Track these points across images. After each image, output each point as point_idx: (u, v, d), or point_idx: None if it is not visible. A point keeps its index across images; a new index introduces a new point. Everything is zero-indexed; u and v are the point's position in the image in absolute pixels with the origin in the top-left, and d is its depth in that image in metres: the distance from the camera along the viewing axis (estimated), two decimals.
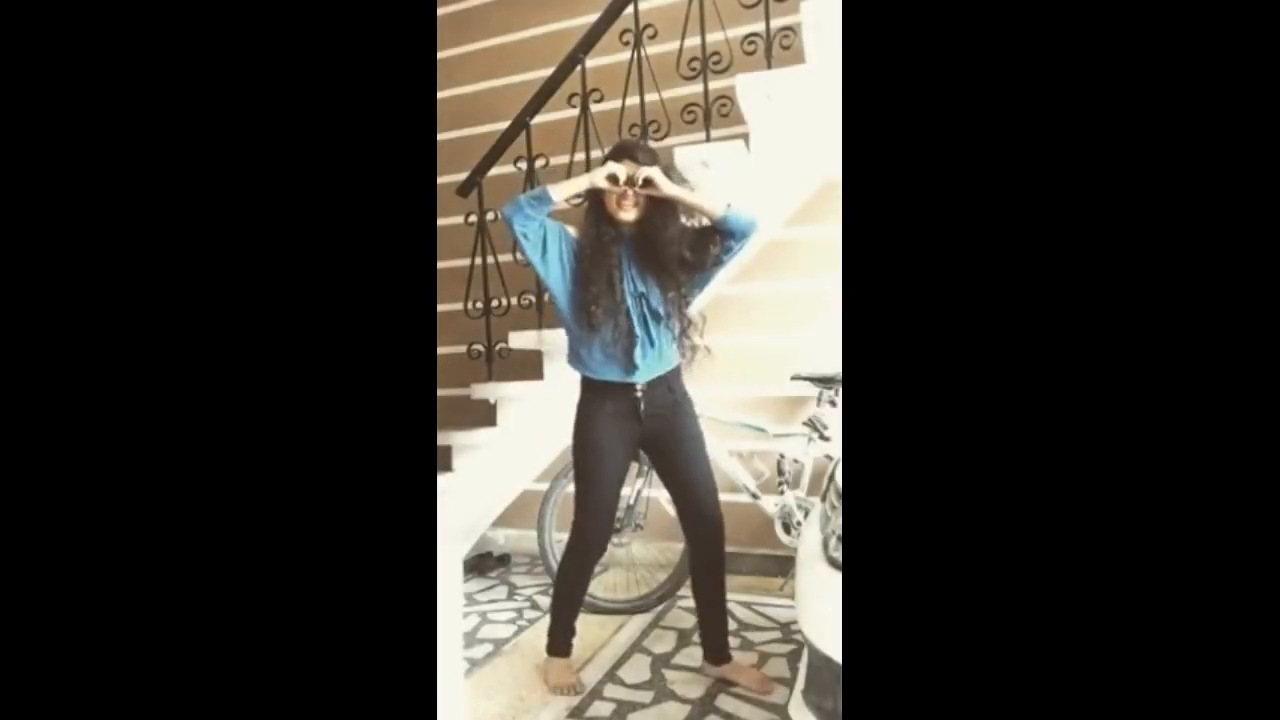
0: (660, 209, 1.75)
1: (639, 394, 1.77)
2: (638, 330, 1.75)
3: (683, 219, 1.79)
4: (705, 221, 1.76)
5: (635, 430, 1.80)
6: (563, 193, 1.74)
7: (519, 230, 1.72)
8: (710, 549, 1.85)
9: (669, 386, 1.82)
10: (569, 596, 1.93)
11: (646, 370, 1.77)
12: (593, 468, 1.81)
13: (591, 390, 1.83)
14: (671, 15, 2.44)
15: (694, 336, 1.82)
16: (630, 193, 1.73)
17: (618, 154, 1.76)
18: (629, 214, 1.75)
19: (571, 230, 1.82)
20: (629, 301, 1.75)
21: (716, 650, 1.89)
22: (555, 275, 1.77)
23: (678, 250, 1.75)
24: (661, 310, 1.77)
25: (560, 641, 1.94)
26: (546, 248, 1.76)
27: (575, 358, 1.83)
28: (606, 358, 1.77)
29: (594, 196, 1.79)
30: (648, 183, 1.71)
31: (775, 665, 1.98)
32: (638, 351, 1.75)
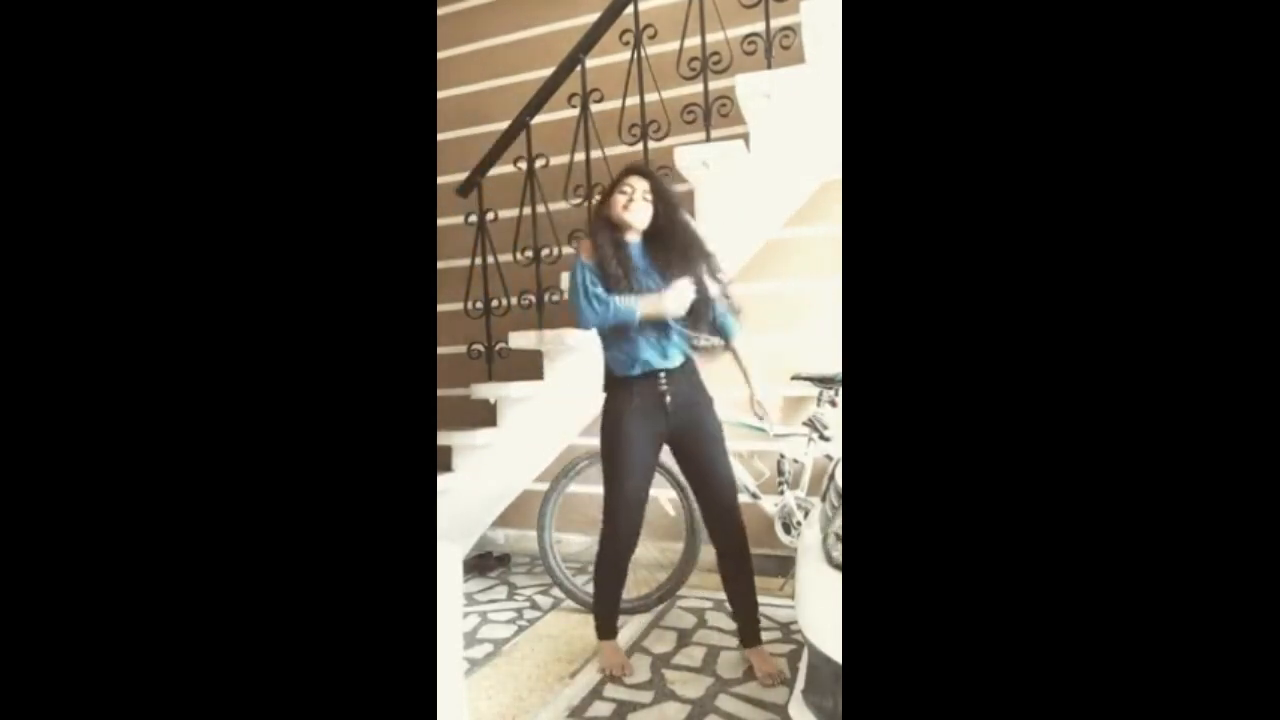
0: (675, 213, 1.89)
1: (664, 386, 1.87)
2: (650, 333, 1.86)
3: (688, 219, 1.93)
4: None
5: (662, 424, 1.89)
6: (644, 309, 1.82)
7: (592, 325, 1.85)
8: (736, 542, 1.93)
9: (690, 381, 1.92)
10: (607, 587, 2.00)
11: (663, 362, 1.88)
12: (622, 459, 1.88)
13: (617, 384, 1.92)
14: (671, 15, 2.44)
15: (705, 332, 1.92)
16: (639, 195, 1.87)
17: (629, 172, 1.92)
18: (639, 218, 1.88)
19: (585, 258, 1.88)
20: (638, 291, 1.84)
21: (748, 635, 1.96)
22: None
23: (695, 240, 1.88)
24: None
25: (605, 626, 2.03)
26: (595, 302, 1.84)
27: (607, 355, 1.95)
28: (626, 356, 1.88)
29: (600, 208, 1.96)
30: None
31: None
32: (651, 352, 1.87)
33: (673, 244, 1.87)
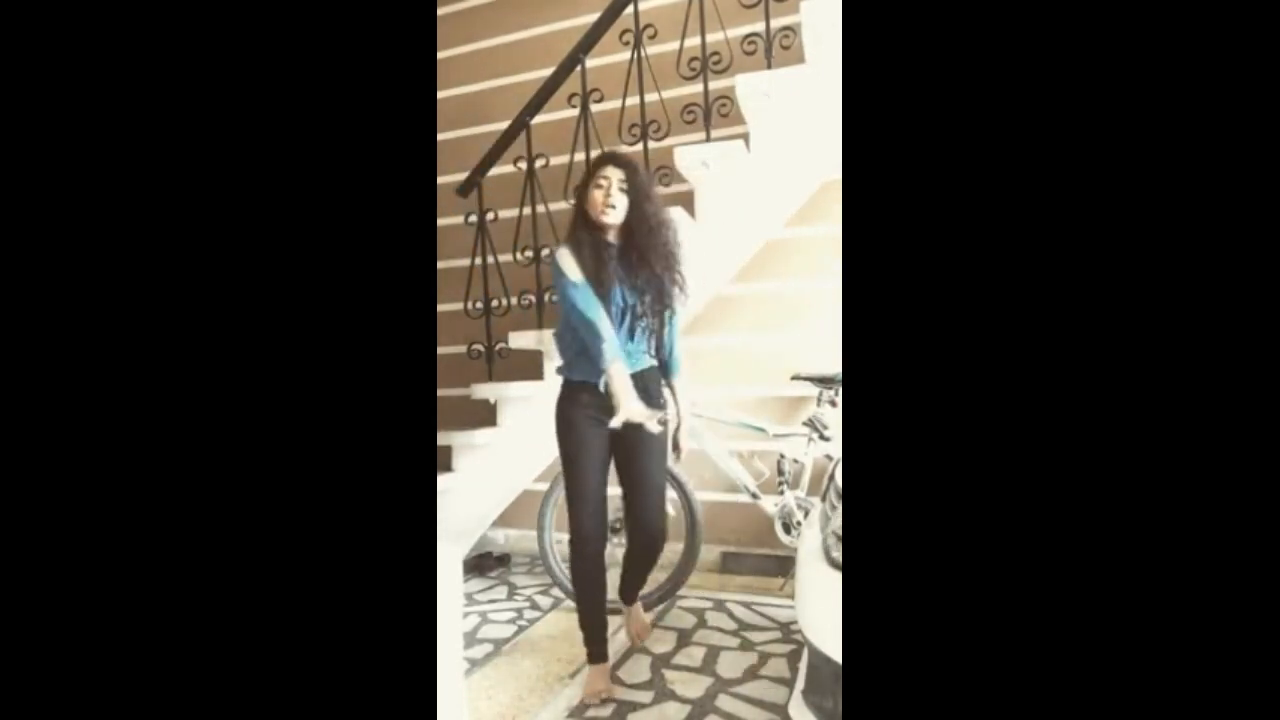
0: (644, 204, 1.81)
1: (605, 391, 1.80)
2: (620, 333, 1.81)
3: (663, 214, 1.83)
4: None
5: (606, 427, 1.80)
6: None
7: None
8: (647, 556, 1.97)
9: (645, 388, 1.82)
10: (588, 598, 1.89)
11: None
12: (574, 461, 1.86)
13: (569, 388, 1.89)
14: (671, 15, 2.44)
15: (664, 334, 1.92)
16: (615, 186, 1.79)
17: (605, 161, 1.84)
18: (616, 215, 1.80)
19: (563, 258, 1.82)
20: (616, 306, 1.81)
21: (629, 595, 2.13)
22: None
23: (668, 237, 1.83)
24: (640, 309, 1.84)
25: (595, 650, 1.90)
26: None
27: (562, 361, 1.91)
28: (585, 360, 1.81)
29: (577, 205, 1.86)
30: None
31: (775, 665, 1.98)
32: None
33: (644, 244, 1.81)
